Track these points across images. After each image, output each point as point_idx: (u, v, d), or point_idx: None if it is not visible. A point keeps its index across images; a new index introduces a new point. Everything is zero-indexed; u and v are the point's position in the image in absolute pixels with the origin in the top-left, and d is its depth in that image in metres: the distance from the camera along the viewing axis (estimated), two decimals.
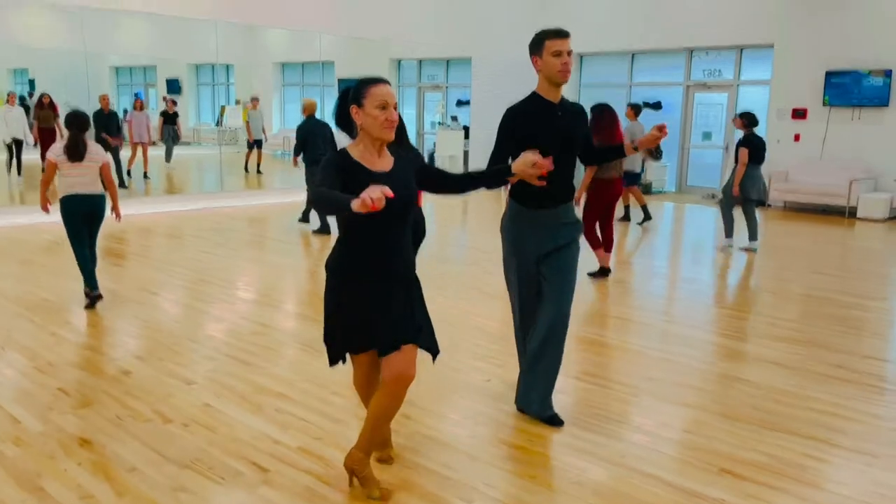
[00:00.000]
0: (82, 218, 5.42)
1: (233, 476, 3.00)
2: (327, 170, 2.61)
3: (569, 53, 3.35)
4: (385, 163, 2.70)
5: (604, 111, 6.73)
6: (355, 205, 2.25)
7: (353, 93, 2.66)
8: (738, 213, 8.40)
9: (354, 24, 12.89)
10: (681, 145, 14.08)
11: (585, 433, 3.47)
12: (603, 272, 6.87)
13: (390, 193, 2.24)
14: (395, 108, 2.65)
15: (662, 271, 7.67)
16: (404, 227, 2.75)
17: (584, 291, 6.49)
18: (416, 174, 2.80)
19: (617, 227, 9.86)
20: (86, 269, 5.51)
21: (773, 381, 4.22)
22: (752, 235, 8.31)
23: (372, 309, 2.71)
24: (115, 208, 5.61)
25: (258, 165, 14.53)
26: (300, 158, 8.97)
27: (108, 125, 11.77)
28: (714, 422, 3.65)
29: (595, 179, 6.75)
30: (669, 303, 6.39)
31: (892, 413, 3.81)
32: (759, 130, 12.64)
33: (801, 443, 3.42)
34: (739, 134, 8.41)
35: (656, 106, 14.43)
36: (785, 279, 7.09)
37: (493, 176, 2.98)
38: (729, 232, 8.43)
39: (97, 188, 5.43)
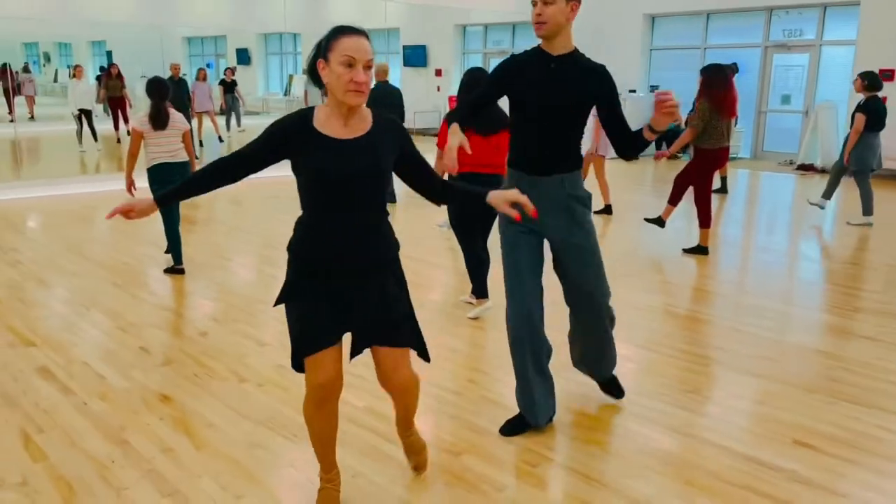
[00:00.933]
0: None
1: (305, 434, 3.07)
2: (265, 133, 2.29)
3: (544, 1, 2.80)
4: (354, 129, 2.26)
5: (717, 72, 6.22)
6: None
7: (319, 45, 2.23)
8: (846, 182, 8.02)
9: None
10: (757, 109, 13.54)
11: (653, 402, 3.43)
12: (700, 250, 6.42)
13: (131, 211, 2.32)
14: (368, 69, 2.18)
15: (734, 240, 7.43)
16: (371, 207, 2.33)
17: (654, 261, 6.36)
18: (396, 157, 2.35)
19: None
20: (174, 240, 5.64)
21: (853, 354, 4.07)
22: (867, 210, 7.71)
23: (331, 302, 2.35)
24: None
25: None
26: None
27: (178, 93, 12.04)
28: (788, 393, 3.55)
29: (701, 149, 6.23)
30: (742, 273, 6.21)
31: None
32: (843, 93, 12.02)
33: (880, 416, 3.29)
34: (853, 98, 7.73)
35: (733, 69, 13.87)
36: (869, 249, 6.79)
37: (472, 196, 2.48)
38: (827, 194, 7.97)
39: (182, 156, 5.52)
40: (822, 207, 8.10)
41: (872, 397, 3.50)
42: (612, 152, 8.32)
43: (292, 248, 2.40)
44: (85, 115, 12.85)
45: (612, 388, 3.45)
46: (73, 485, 2.70)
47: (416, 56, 17.25)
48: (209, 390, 3.54)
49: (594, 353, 3.31)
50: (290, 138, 2.25)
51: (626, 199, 9.20)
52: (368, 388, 3.57)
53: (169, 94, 5.58)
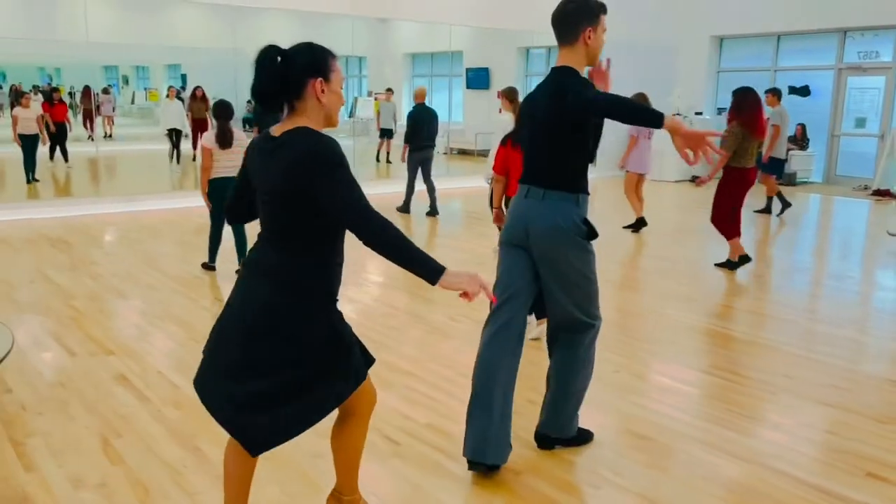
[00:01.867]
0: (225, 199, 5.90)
1: (367, 447, 3.14)
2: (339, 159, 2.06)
3: None
4: None
5: (746, 95, 6.38)
6: (455, 285, 2.07)
7: (314, 62, 2.10)
8: None
9: (485, 15, 12.95)
10: (830, 132, 13.17)
11: (717, 428, 3.37)
12: (739, 261, 6.52)
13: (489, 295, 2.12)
14: None
15: (804, 266, 7.23)
16: None
17: (718, 284, 6.25)
18: None
19: (755, 219, 9.41)
20: (216, 241, 6.22)
21: None
22: None
23: (349, 330, 2.28)
24: None
25: (388, 155, 14.95)
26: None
27: (264, 115, 12.18)
28: (860, 424, 3.43)
29: (730, 167, 6.38)
30: (812, 299, 6.03)
31: None
32: None
33: None
34: None
35: (804, 91, 13.56)
36: None
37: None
38: None
39: None
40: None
41: None
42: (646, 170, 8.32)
43: (325, 290, 2.18)
44: (175, 134, 13.45)
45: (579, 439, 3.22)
46: (148, 488, 2.83)
47: (478, 78, 17.42)
48: None
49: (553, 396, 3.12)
50: None
51: (680, 219, 9.05)
52: (429, 404, 3.62)
53: (233, 115, 6.07)
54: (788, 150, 13.11)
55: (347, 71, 19.46)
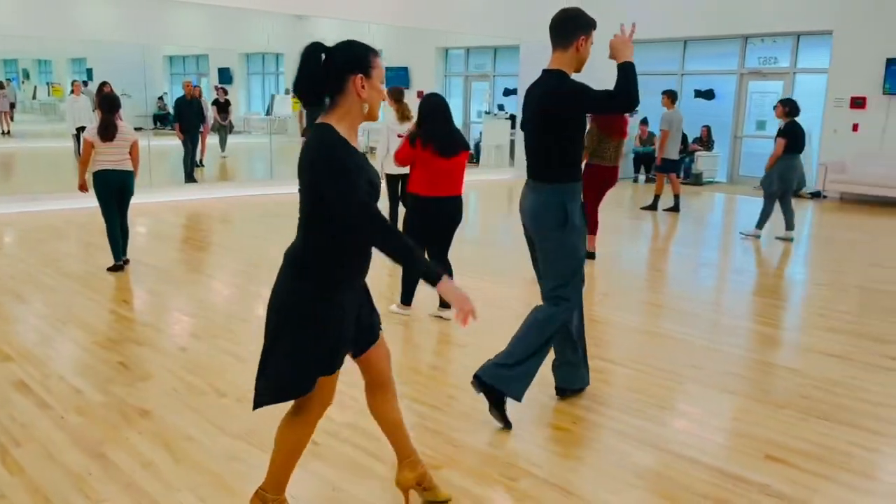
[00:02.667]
0: (111, 192, 5.91)
1: None
2: (355, 171, 2.14)
3: None
4: (356, 143, 2.27)
5: None
6: (449, 294, 2.20)
7: (355, 59, 2.19)
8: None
9: (404, 14, 12.94)
10: (733, 135, 13.81)
11: (630, 418, 3.48)
12: (589, 256, 6.87)
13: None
14: None
15: (708, 261, 7.56)
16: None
17: (620, 279, 6.45)
18: None
19: (658, 217, 9.78)
20: (113, 238, 6.04)
21: (823, 371, 4.16)
22: (789, 225, 8.20)
23: (352, 314, 2.34)
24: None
25: None
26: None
27: (187, 113, 11.59)
28: (761, 409, 3.62)
29: (591, 165, 6.72)
30: (715, 293, 6.31)
31: None
32: (816, 120, 12.36)
33: (850, 432, 3.37)
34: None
35: (708, 95, 14.17)
36: (840, 271, 6.94)
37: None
38: (762, 222, 8.30)
39: (126, 165, 5.93)
40: (790, 239, 8.23)
41: (842, 414, 3.57)
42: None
43: (331, 276, 2.24)
44: (82, 132, 12.80)
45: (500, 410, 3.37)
46: (50, 498, 2.69)
47: (398, 78, 17.39)
48: (189, 405, 3.54)
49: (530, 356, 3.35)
50: (355, 162, 2.17)
51: (607, 221, 9.32)
52: (352, 404, 3.59)
53: (118, 109, 5.99)
54: (694, 150, 13.71)
55: (263, 68, 19.08)
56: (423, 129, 4.77)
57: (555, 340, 3.50)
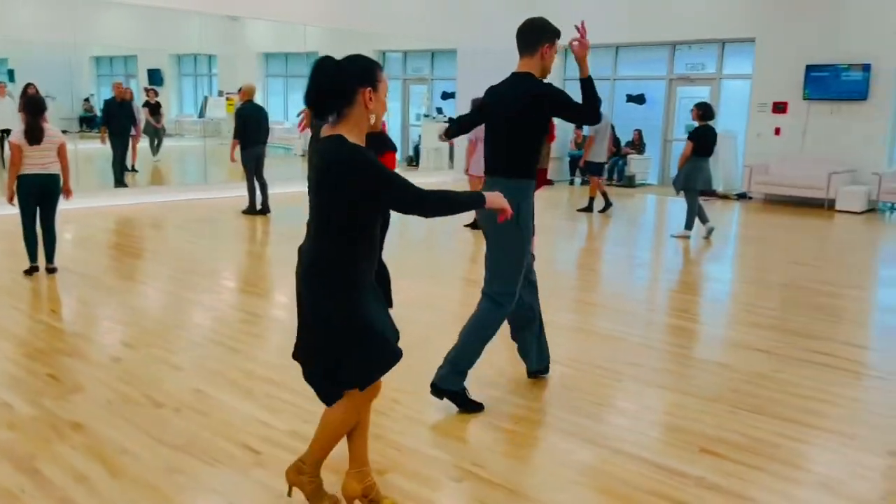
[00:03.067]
0: (34, 195, 5.78)
1: (226, 458, 3.05)
2: (377, 164, 2.34)
3: None
4: None
5: None
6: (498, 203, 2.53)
7: (365, 73, 2.34)
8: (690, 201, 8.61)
9: (339, 16, 12.87)
10: (663, 138, 14.23)
11: (571, 416, 3.55)
12: None
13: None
14: None
15: (641, 260, 7.78)
16: None
17: (556, 280, 6.58)
18: None
19: (592, 218, 10.00)
20: (29, 240, 5.91)
21: (752, 366, 4.33)
22: (689, 225, 8.55)
23: (385, 313, 2.53)
24: (65, 187, 5.97)
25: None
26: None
27: (117, 115, 11.24)
28: (694, 404, 3.74)
29: None
30: (646, 291, 6.49)
31: (869, 396, 3.93)
32: (741, 124, 12.86)
33: (780, 424, 3.52)
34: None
35: (640, 99, 14.56)
36: (764, 269, 7.23)
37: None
38: (702, 219, 8.57)
39: (52, 168, 5.80)
40: (710, 232, 8.54)
41: (770, 406, 3.73)
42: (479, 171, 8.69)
43: (353, 275, 2.39)
44: (7, 134, 12.25)
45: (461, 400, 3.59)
46: None
47: None
48: (124, 417, 3.44)
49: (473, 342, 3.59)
50: None
51: (544, 223, 9.47)
52: (292, 411, 3.55)
53: (43, 111, 5.82)
54: (626, 154, 14.07)
55: (196, 69, 18.64)
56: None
57: (520, 328, 3.81)
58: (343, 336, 2.38)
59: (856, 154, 11.71)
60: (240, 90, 9.83)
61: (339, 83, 2.31)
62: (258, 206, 9.55)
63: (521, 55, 3.55)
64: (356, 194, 2.31)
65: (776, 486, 2.93)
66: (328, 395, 2.53)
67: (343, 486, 2.63)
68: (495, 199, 2.55)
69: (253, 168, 9.42)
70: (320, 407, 3.56)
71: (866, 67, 11.36)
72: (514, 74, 3.56)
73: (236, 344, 4.52)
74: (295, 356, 2.57)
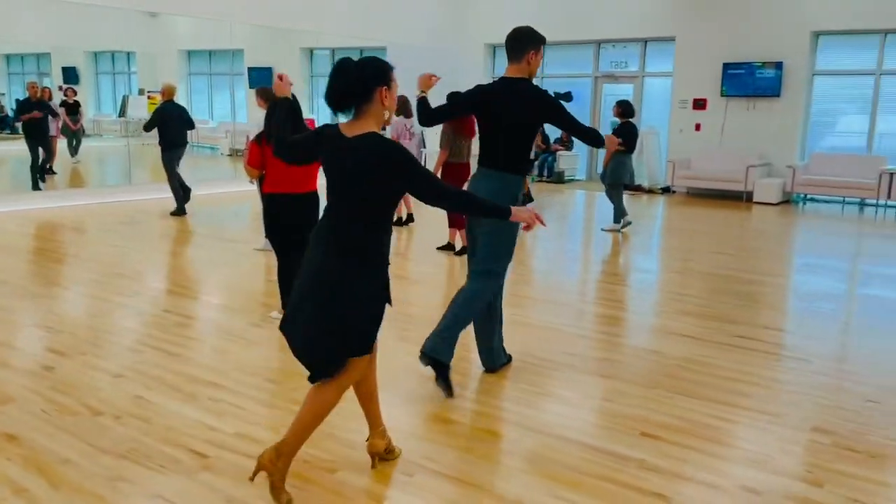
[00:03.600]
0: None
1: (172, 463, 3.01)
2: (411, 157, 2.63)
3: None
4: None
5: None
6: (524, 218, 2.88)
7: (381, 73, 2.59)
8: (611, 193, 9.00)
9: (266, 13, 12.68)
10: None
11: (514, 406, 3.64)
12: (449, 247, 7.49)
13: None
14: None
15: (569, 254, 7.98)
16: None
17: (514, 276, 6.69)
18: None
19: None
20: None
21: (683, 352, 4.53)
22: (617, 218, 8.89)
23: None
24: None
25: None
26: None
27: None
28: (633, 391, 3.89)
29: (446, 163, 7.20)
30: (579, 283, 6.68)
31: (790, 377, 4.17)
32: (664, 120, 13.31)
33: (711, 406, 3.70)
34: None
35: (567, 97, 14.83)
36: (689, 259, 7.53)
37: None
38: (622, 214, 8.91)
39: None
40: (625, 226, 8.90)
41: (701, 390, 3.92)
42: None
43: (384, 258, 2.71)
44: None
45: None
46: None
47: (262, 78, 16.96)
48: (60, 426, 3.33)
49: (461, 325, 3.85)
50: None
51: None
52: (237, 413, 3.52)
53: None
54: (556, 150, 14.36)
55: (114, 67, 17.98)
56: (272, 126, 4.75)
57: (480, 325, 4.02)
58: (369, 309, 2.67)
59: (771, 148, 12.31)
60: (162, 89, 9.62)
61: (361, 83, 2.56)
62: (180, 207, 9.39)
63: (510, 61, 3.81)
64: (398, 185, 2.64)
65: (710, 465, 3.09)
66: (321, 371, 2.68)
67: (369, 444, 2.99)
68: (520, 213, 2.88)
69: (173, 169, 9.24)
70: (266, 408, 3.56)
71: (779, 65, 11.95)
72: (506, 79, 3.81)
73: (173, 348, 4.43)
74: (284, 328, 2.73)
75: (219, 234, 8.35)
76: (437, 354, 3.69)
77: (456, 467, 3.03)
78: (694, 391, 3.90)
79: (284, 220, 4.82)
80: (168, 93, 9.37)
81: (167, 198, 9.57)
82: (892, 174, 11.01)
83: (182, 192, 9.37)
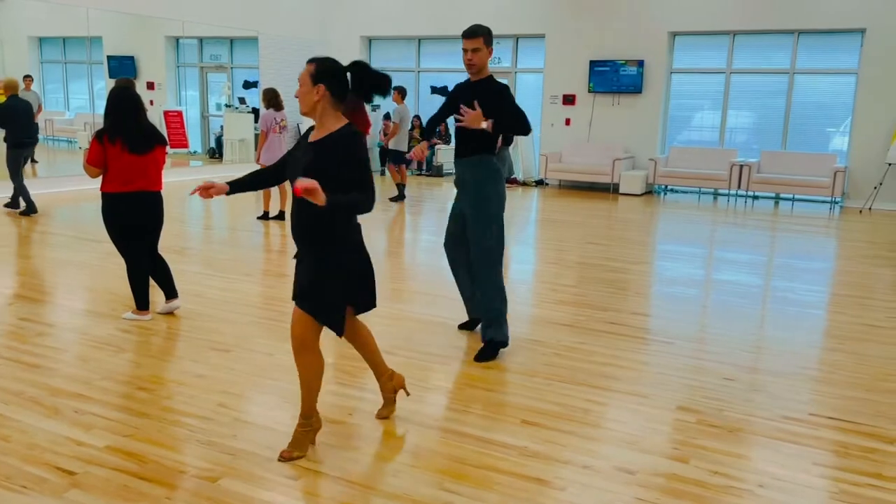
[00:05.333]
0: None
1: (36, 483, 2.81)
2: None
3: (473, 51, 4.35)
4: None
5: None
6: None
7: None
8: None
9: (128, 1, 11.99)
10: None
11: (401, 402, 3.66)
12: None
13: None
14: None
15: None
16: None
17: (391, 271, 6.70)
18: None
19: (404, 207, 10.25)
20: None
21: (560, 340, 4.72)
22: None
23: (370, 271, 3.14)
24: None
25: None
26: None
27: None
28: (514, 379, 4.02)
29: None
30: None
31: (655, 360, 4.44)
32: (536, 115, 13.72)
33: (587, 391, 3.89)
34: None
35: (443, 91, 15.04)
36: (563, 250, 7.84)
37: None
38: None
39: None
40: None
41: (577, 375, 4.10)
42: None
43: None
44: None
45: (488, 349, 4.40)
46: None
47: (123, 68, 16.03)
48: None
49: (486, 295, 4.39)
50: None
51: None
52: (106, 425, 3.34)
53: None
54: (434, 144, 14.50)
55: None
56: (111, 123, 4.57)
57: (462, 277, 4.70)
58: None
59: (634, 142, 13.01)
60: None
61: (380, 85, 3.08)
62: (20, 206, 8.76)
63: None
64: None
65: (587, 447, 3.25)
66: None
67: (382, 388, 3.46)
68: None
69: (17, 167, 8.61)
70: (137, 419, 3.39)
71: (640, 63, 12.63)
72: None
73: (33, 359, 4.13)
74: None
75: (78, 233, 7.83)
76: (501, 336, 4.38)
77: (342, 467, 3.02)
78: (570, 377, 4.07)
79: (136, 220, 4.76)
80: (10, 87, 8.69)
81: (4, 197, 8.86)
82: (741, 166, 11.93)
83: (20, 192, 8.74)
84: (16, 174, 8.63)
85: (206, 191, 3.03)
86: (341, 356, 4.30)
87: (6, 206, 8.91)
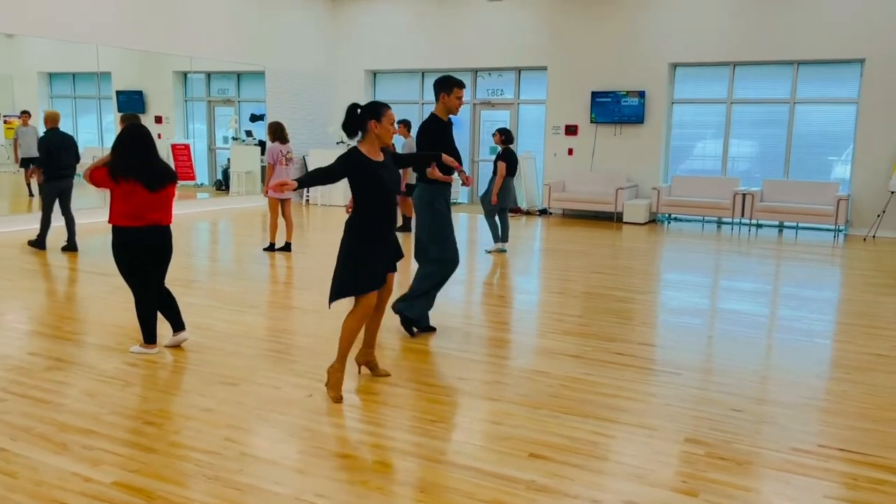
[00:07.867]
0: None
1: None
2: (339, 161, 3.96)
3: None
4: (380, 156, 4.10)
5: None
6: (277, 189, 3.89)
7: (372, 111, 4.01)
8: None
9: (135, 36, 12.20)
10: (471, 159, 14.95)
11: (408, 436, 3.66)
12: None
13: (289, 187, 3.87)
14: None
15: (454, 276, 8.12)
16: (394, 199, 4.15)
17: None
18: (394, 161, 4.31)
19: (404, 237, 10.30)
20: None
21: (566, 371, 4.72)
22: (505, 238, 9.54)
23: (384, 259, 4.15)
24: None
25: (31, 187, 13.18)
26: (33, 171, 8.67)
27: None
28: (521, 412, 4.01)
29: None
30: (463, 306, 6.81)
31: (663, 391, 4.43)
32: (539, 145, 13.87)
33: (593, 423, 3.88)
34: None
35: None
36: (567, 279, 7.85)
37: (422, 160, 4.86)
38: (496, 237, 9.49)
39: None
40: (503, 250, 9.48)
41: (584, 407, 4.10)
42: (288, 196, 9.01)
43: (371, 228, 4.08)
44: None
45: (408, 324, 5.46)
46: None
47: (132, 102, 16.26)
48: None
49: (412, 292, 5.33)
50: (352, 163, 4.02)
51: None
52: (113, 461, 3.34)
53: None
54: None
55: None
56: (121, 161, 4.64)
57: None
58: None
59: (637, 171, 13.10)
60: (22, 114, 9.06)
61: (358, 117, 4.06)
62: (64, 243, 8.80)
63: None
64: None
65: (595, 481, 3.24)
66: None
67: (356, 356, 4.52)
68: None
69: (51, 201, 8.68)
70: (145, 454, 3.40)
71: (641, 94, 12.76)
72: (430, 114, 5.26)
73: (41, 394, 4.14)
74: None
75: (86, 266, 7.89)
76: (406, 311, 5.39)
77: (350, 502, 3.01)
78: (578, 409, 4.07)
79: (146, 254, 4.83)
80: (50, 120, 8.82)
81: (28, 230, 8.94)
82: (744, 194, 11.98)
83: (67, 229, 8.77)
84: (48, 207, 8.69)
85: (280, 187, 3.84)
86: (350, 390, 4.30)
87: (31, 243, 8.91)
